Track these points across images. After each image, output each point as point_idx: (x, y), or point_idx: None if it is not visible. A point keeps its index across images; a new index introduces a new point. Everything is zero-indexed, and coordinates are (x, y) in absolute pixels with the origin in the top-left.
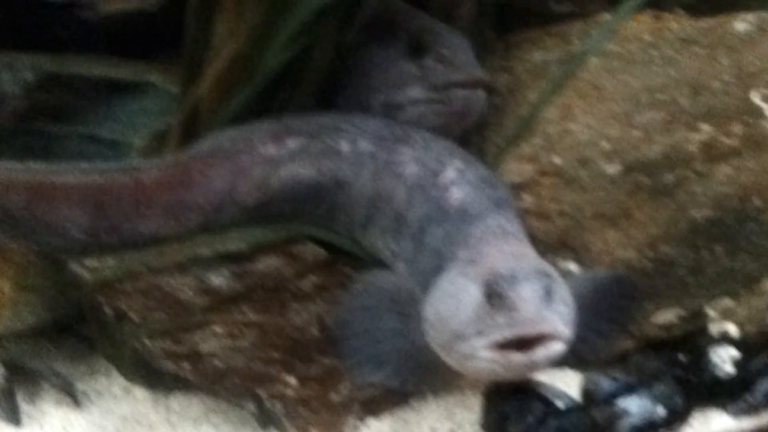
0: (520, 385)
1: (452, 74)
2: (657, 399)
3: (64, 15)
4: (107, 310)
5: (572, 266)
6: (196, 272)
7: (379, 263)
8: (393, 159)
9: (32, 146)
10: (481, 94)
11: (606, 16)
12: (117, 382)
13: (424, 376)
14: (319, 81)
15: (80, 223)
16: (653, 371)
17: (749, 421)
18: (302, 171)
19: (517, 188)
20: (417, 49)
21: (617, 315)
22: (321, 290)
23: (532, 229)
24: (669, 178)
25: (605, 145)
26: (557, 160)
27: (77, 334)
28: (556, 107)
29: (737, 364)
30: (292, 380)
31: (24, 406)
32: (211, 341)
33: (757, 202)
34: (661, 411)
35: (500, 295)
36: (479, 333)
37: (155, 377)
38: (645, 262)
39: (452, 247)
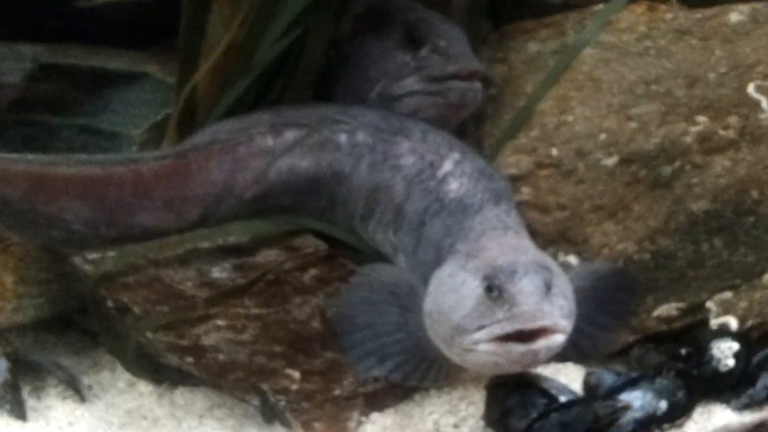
0: (522, 379)
1: (448, 65)
2: (659, 393)
3: (60, 5)
4: (110, 303)
5: (572, 259)
6: (197, 265)
7: (380, 256)
8: (391, 151)
9: (30, 137)
10: (477, 85)
11: (601, 7)
12: (121, 377)
13: (426, 370)
14: (315, 72)
15: (80, 215)
16: (655, 365)
17: (751, 415)
18: (301, 163)
19: (516, 180)
20: (413, 41)
21: (618, 308)
22: (322, 283)
23: (531, 222)
24: (666, 170)
25: (603, 137)
26: (555, 152)
27: (80, 328)
28: (552, 99)
29: (738, 357)
30: (295, 374)
31: (29, 401)
32: (214, 335)
33: (754, 194)
34: (663, 405)
35: (500, 289)
36: (479, 327)
37: (159, 371)
38: (644, 255)
39: (451, 239)
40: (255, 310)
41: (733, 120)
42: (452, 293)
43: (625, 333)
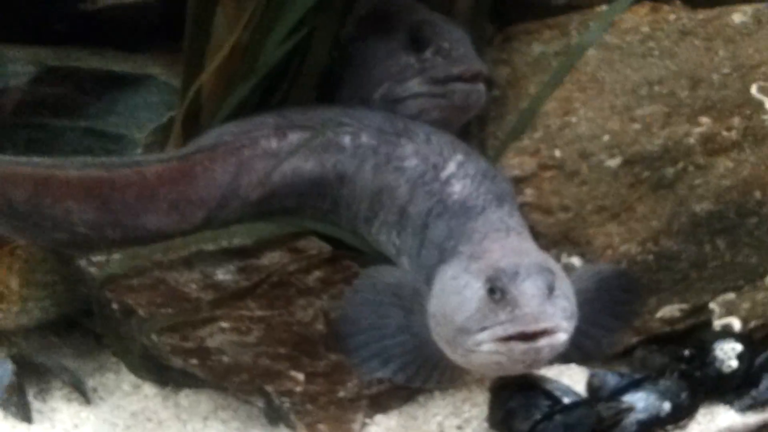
0: (526, 381)
1: (452, 67)
2: (663, 394)
3: (65, 8)
4: (114, 305)
5: (575, 260)
6: (201, 267)
7: (383, 258)
8: (395, 153)
9: (34, 140)
10: (481, 87)
11: (604, 8)
12: (126, 379)
13: (430, 371)
14: (319, 74)
15: (84, 217)
16: (658, 366)
17: (755, 416)
18: (304, 165)
19: (519, 182)
20: (417, 42)
21: (621, 310)
22: (326, 285)
23: (534, 223)
24: (669, 171)
25: (606, 139)
26: (558, 153)
27: (85, 330)
28: (556, 100)
29: (741, 358)
30: (299, 376)
31: (35, 403)
32: (218, 337)
33: (757, 195)
34: (666, 406)
35: (502, 290)
36: (482, 328)
37: (164, 373)
38: (647, 257)
39: (454, 241)
40: (259, 312)
41: (736, 121)
42: (455, 295)
43: (628, 334)
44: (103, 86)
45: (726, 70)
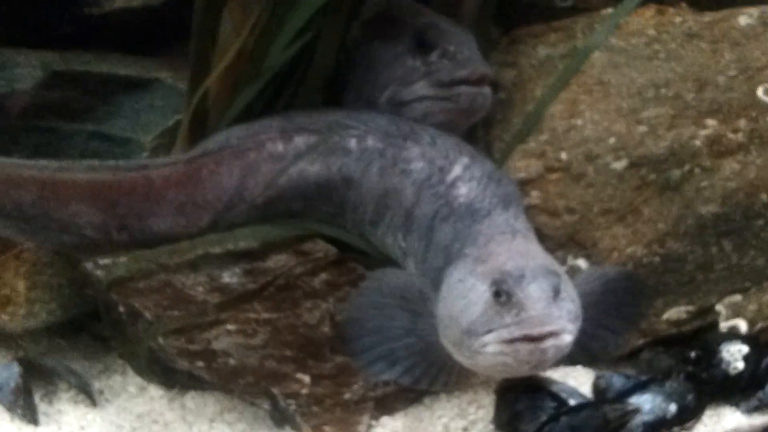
0: (532, 382)
1: (458, 70)
2: (669, 396)
3: (71, 12)
4: (121, 308)
5: (581, 263)
6: (208, 270)
7: (389, 260)
8: (401, 156)
9: (41, 144)
10: (486, 90)
11: (610, 11)
12: (132, 381)
13: (436, 374)
14: (325, 77)
15: (91, 220)
16: (664, 368)
17: (761, 418)
18: (311, 168)
19: (525, 184)
20: (423, 45)
21: (627, 312)
22: (332, 288)
23: (540, 226)
24: (676, 173)
25: (612, 141)
26: (564, 155)
27: (92, 333)
28: (562, 103)
29: (748, 360)
30: (305, 378)
31: (41, 405)
32: (225, 339)
33: (764, 197)
34: (673, 408)
35: (508, 293)
36: (488, 331)
37: (170, 375)
38: (654, 259)
39: (461, 244)
40: (265, 315)
41: (742, 123)
42: (461, 298)
43: (634, 336)
44: (109, 90)
45: (732, 73)
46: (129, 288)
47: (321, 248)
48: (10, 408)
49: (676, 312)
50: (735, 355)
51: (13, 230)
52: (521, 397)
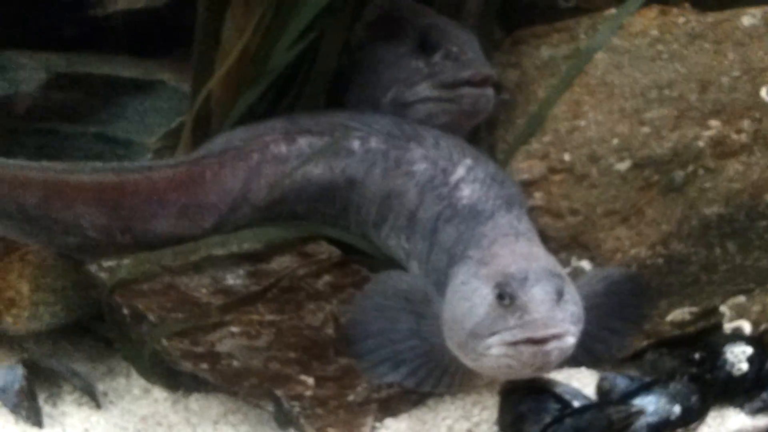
0: (535, 384)
1: (461, 71)
2: (673, 397)
3: (75, 14)
4: (125, 310)
5: (585, 264)
6: (211, 272)
7: (393, 262)
8: (404, 157)
9: (45, 145)
10: (489, 91)
11: (613, 11)
12: (136, 383)
13: (440, 376)
14: (328, 78)
15: (95, 222)
16: (668, 370)
17: (765, 419)
18: (314, 170)
19: (528, 185)
20: (426, 46)
21: (631, 313)
22: (336, 289)
23: (544, 227)
24: (679, 174)
25: (615, 142)
26: (567, 157)
27: (96, 335)
28: (565, 104)
29: (752, 361)
30: (309, 380)
31: (45, 407)
32: (228, 341)
33: (767, 198)
34: (677, 409)
35: (511, 296)
36: (492, 333)
37: (174, 378)
38: (657, 260)
39: (464, 246)
40: (269, 317)
41: (746, 124)
42: (465, 301)
43: (638, 338)
44: (112, 92)
45: (735, 73)
46: (133, 290)
47: (324, 250)
48: (15, 410)
49: (680, 313)
50: (739, 357)
51: (17, 232)
52: (525, 399)
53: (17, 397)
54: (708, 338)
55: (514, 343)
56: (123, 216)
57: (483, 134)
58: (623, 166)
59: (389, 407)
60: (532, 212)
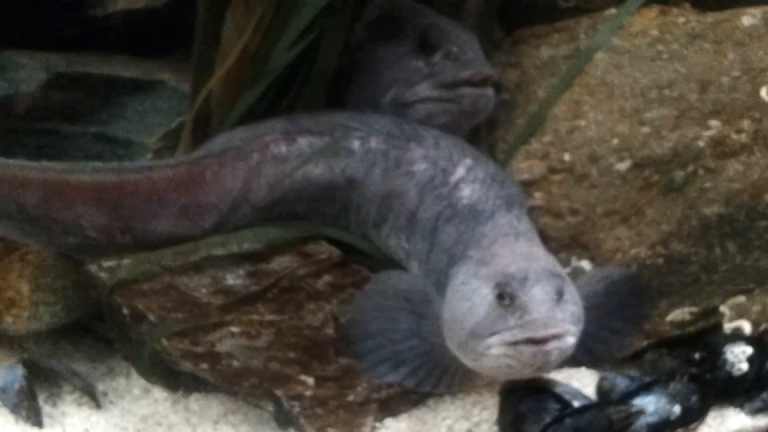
0: (535, 384)
1: (461, 71)
2: (673, 397)
3: (75, 14)
4: (125, 310)
5: (585, 264)
6: (211, 272)
7: (393, 262)
8: (404, 157)
9: (45, 145)
10: (489, 91)
11: (613, 11)
12: (136, 383)
13: (440, 376)
14: (328, 78)
15: (95, 222)
16: (668, 369)
17: (765, 419)
18: (314, 170)
19: (528, 185)
20: (426, 47)
21: (631, 313)
22: (336, 289)
23: (544, 227)
24: (679, 174)
25: (615, 142)
26: (567, 157)
27: (96, 335)
28: (565, 104)
29: (752, 361)
30: (309, 380)
31: (45, 407)
32: (228, 341)
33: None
34: (677, 409)
35: (511, 296)
36: (492, 334)
37: (174, 378)
38: (657, 260)
39: (464, 246)
40: (269, 317)
41: (746, 124)
42: (465, 301)
43: (638, 338)
44: (112, 92)
45: (736, 73)
46: (133, 290)
47: (324, 250)
48: (15, 410)
49: (680, 313)
50: (739, 357)
51: (17, 232)
52: (525, 399)
53: (17, 397)
54: (708, 338)
55: (514, 343)
56: (123, 216)
57: (483, 134)
58: (623, 166)
59: (389, 407)
60: (532, 212)
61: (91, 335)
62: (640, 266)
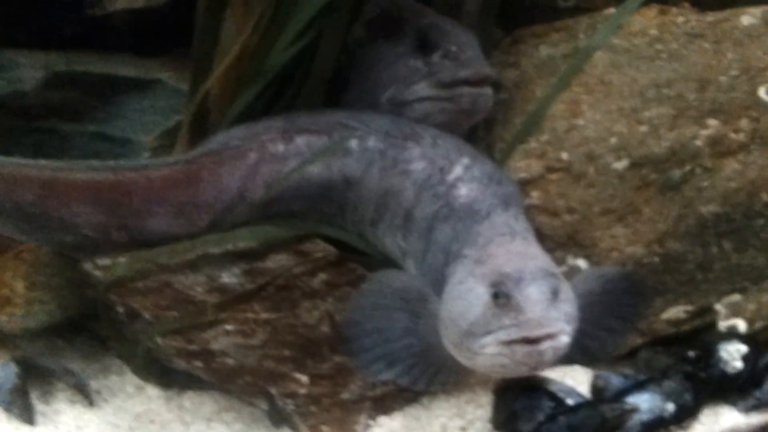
0: (529, 382)
1: (459, 71)
2: (667, 395)
3: (73, 13)
4: (119, 308)
5: (581, 262)
6: (207, 271)
7: (389, 261)
8: (401, 156)
9: (42, 144)
10: (488, 90)
11: (612, 11)
12: (130, 381)
13: (434, 374)
14: (326, 77)
15: (91, 220)
16: (662, 367)
17: (759, 417)
18: (311, 168)
19: (526, 184)
20: (425, 46)
21: (626, 312)
22: (331, 288)
23: (540, 226)
24: (677, 173)
25: (613, 141)
26: (565, 156)
27: (90, 333)
28: (563, 103)
29: (746, 359)
30: (303, 378)
31: (38, 405)
32: (223, 339)
33: (764, 197)
34: (670, 407)
35: (507, 295)
36: (487, 333)
37: (168, 375)
38: (653, 258)
39: (460, 245)
40: (264, 315)
41: (744, 123)
42: (461, 299)
43: (633, 336)
44: (111, 90)
45: (734, 73)
46: (128, 288)
47: (320, 248)
48: (7, 408)
49: (675, 311)
50: (733, 355)
51: (13, 229)
52: (519, 397)
53: (10, 395)
54: (703, 336)
55: (509, 343)
56: (119, 214)
57: (481, 133)
58: (621, 165)
59: (383, 405)
60: (529, 211)
61: (85, 333)
62: (636, 265)
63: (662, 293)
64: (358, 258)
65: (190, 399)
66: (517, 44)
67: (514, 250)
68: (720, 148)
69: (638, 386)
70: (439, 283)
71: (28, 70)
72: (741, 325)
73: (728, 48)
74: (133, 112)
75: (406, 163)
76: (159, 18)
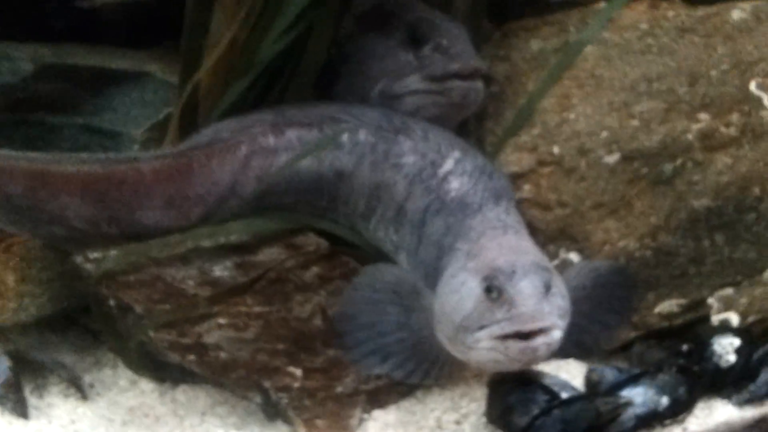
0: (524, 376)
1: (450, 64)
2: (661, 389)
3: (62, 5)
4: (111, 302)
5: (573, 256)
6: (199, 264)
7: (381, 254)
8: (392, 150)
9: (32, 137)
10: (479, 84)
11: (602, 5)
12: (123, 374)
13: (428, 368)
14: (317, 70)
15: (81, 212)
16: (656, 361)
17: (752, 411)
18: (302, 162)
19: (517, 178)
20: (415, 39)
21: (619, 305)
22: (324, 281)
23: (532, 219)
24: (668, 167)
25: (604, 135)
26: (556, 149)
27: (83, 326)
28: (554, 97)
29: (739, 353)
30: (297, 372)
31: (31, 399)
32: (216, 333)
33: (756, 191)
34: (664, 401)
35: (499, 289)
36: (480, 327)
37: (161, 369)
38: (646, 252)
39: (452, 239)
40: (257, 308)
41: (734, 117)
42: (454, 294)
43: (626, 329)
44: (100, 83)
45: (725, 67)
46: (119, 281)
47: (312, 242)
48: (1, 402)
49: (668, 305)
50: (727, 348)
51: (3, 221)
52: (513, 390)
53: (3, 389)
54: (696, 330)
55: (502, 337)
56: (109, 207)
57: (472, 127)
58: (612, 158)
59: (377, 399)
60: (521, 204)
61: (77, 327)
62: (629, 258)
63: (655, 287)
64: (350, 251)
65: (183, 393)
66: (507, 38)
67: (507, 243)
68: (711, 142)
69: (632, 380)
70: (431, 276)
71: (17, 63)
72: (734, 319)
73: (719, 42)
74: (123, 104)
75: (398, 156)
76: (148, 10)
